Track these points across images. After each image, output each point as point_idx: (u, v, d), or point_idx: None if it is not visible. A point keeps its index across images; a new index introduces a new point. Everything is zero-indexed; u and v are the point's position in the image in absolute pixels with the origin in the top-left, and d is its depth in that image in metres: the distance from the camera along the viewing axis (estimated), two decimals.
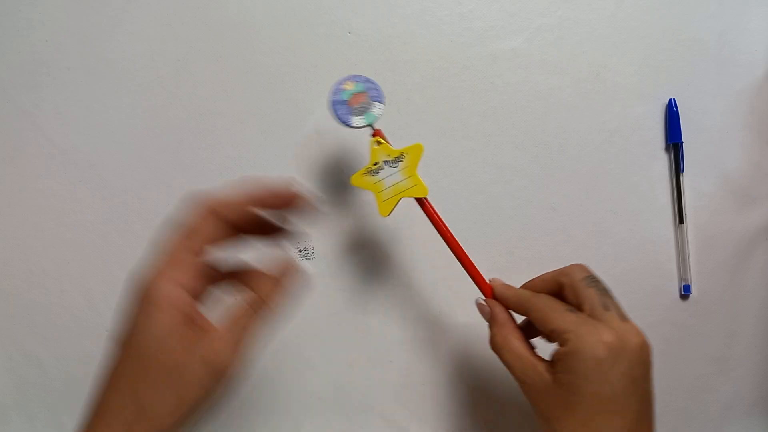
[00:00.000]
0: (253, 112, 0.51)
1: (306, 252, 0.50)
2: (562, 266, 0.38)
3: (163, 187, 0.51)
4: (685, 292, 0.50)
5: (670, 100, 0.50)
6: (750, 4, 0.51)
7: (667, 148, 0.51)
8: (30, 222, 0.51)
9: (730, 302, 0.51)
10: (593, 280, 0.36)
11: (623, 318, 0.34)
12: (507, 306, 0.40)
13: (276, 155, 0.51)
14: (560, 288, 0.37)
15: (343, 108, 0.42)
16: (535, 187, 0.50)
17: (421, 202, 0.42)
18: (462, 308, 0.50)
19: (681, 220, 0.50)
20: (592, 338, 0.32)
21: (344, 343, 0.50)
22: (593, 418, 0.31)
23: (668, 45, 0.51)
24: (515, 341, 0.37)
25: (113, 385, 0.29)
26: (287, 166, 0.50)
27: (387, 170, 0.41)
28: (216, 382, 0.28)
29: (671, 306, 0.51)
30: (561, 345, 0.34)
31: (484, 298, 0.41)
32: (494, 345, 0.38)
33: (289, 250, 0.50)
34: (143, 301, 0.28)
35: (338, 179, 0.50)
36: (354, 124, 0.42)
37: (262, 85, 0.51)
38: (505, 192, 0.51)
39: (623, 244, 0.51)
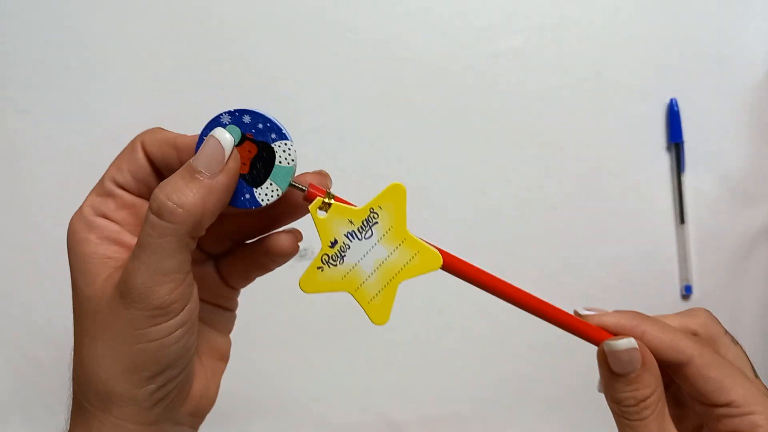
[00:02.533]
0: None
1: (306, 252, 0.50)
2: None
3: None
4: (687, 293, 0.50)
5: (671, 99, 0.50)
6: (750, 4, 0.51)
7: (668, 148, 0.51)
8: (30, 222, 0.51)
9: (731, 302, 0.50)
10: (731, 336, 0.28)
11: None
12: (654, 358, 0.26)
13: None
14: (676, 365, 0.26)
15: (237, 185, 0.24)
16: (535, 187, 0.50)
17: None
18: (463, 308, 0.50)
19: (682, 220, 0.50)
20: None
21: (344, 343, 0.50)
22: None
23: (669, 45, 0.51)
24: (668, 418, 0.25)
25: None
26: None
27: (357, 246, 0.25)
28: (146, 321, 0.23)
29: (672, 306, 0.50)
30: (742, 430, 0.24)
31: (634, 342, 0.25)
32: (646, 417, 0.25)
33: None
34: (69, 236, 0.26)
35: (337, 174, 0.50)
36: (265, 201, 0.24)
37: (262, 85, 0.51)
38: (505, 192, 0.51)
39: (624, 244, 0.50)
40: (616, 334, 0.25)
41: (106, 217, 0.25)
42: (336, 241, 0.25)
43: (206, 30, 0.51)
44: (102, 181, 0.25)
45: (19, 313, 0.51)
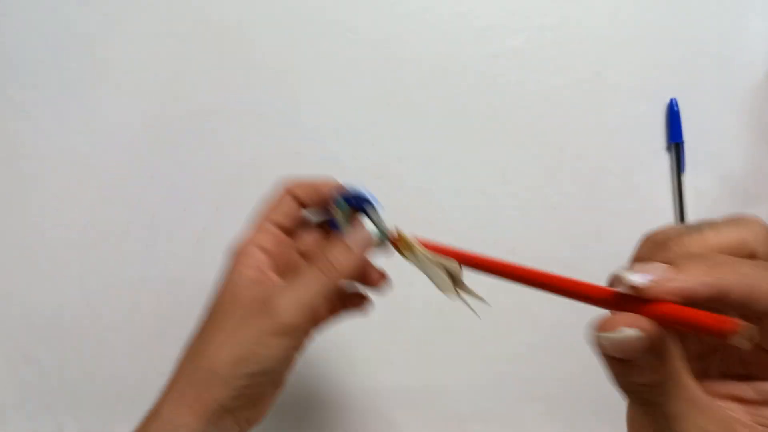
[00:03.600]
0: (252, 112, 0.51)
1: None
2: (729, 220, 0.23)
3: (162, 187, 0.51)
4: None
5: (671, 99, 0.50)
6: (750, 4, 0.51)
7: (668, 148, 0.51)
8: (30, 222, 0.51)
9: None
10: None
11: None
12: (702, 301, 0.20)
13: (276, 155, 0.51)
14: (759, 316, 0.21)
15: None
16: (535, 187, 0.50)
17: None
18: (463, 308, 0.50)
19: (682, 220, 0.50)
20: None
21: (345, 344, 0.50)
22: None
23: (668, 45, 0.51)
24: (694, 386, 0.21)
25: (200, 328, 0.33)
26: (287, 166, 0.50)
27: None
28: (272, 332, 0.30)
29: None
30: None
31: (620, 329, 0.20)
32: (658, 401, 0.21)
33: None
34: (231, 259, 0.33)
35: (337, 174, 0.50)
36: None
37: (262, 85, 0.51)
38: (505, 192, 0.51)
39: (624, 245, 0.50)
40: (694, 298, 0.19)
41: (259, 247, 0.33)
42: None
43: (206, 30, 0.51)
44: (260, 220, 0.34)
45: (19, 313, 0.51)
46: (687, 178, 0.50)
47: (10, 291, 0.51)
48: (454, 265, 0.31)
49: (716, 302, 0.19)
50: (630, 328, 0.19)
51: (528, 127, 0.50)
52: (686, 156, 0.50)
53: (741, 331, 0.18)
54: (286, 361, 0.31)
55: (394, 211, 0.52)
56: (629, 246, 0.53)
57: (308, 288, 0.30)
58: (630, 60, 0.51)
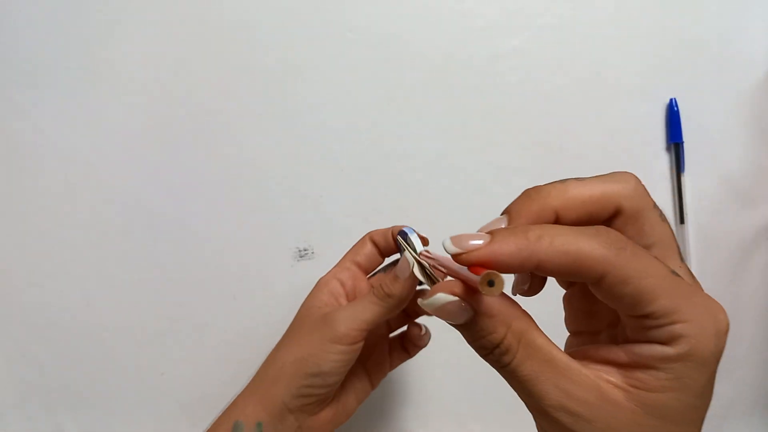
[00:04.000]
0: (252, 112, 0.51)
1: (306, 252, 0.50)
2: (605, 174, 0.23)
3: (162, 187, 0.51)
4: None
5: (671, 99, 0.50)
6: (750, 4, 0.51)
7: (668, 148, 0.51)
8: (30, 222, 0.51)
9: (730, 302, 0.50)
10: (660, 211, 0.23)
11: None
12: (515, 268, 0.21)
13: (276, 155, 0.51)
14: (613, 215, 0.23)
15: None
16: None
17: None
18: None
19: (682, 220, 0.50)
20: (710, 326, 0.20)
21: None
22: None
23: (668, 45, 0.51)
24: (549, 348, 0.22)
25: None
26: (287, 166, 0.50)
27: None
28: (330, 339, 0.35)
29: None
30: (653, 341, 0.21)
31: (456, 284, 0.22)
32: (508, 363, 0.22)
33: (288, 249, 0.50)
34: (314, 288, 0.40)
35: (337, 174, 0.50)
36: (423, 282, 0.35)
37: (262, 85, 0.51)
38: (505, 192, 0.50)
39: None
40: (505, 266, 0.20)
41: (338, 279, 0.39)
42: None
43: (206, 30, 0.51)
44: (344, 260, 0.40)
45: (19, 313, 0.51)
46: (687, 178, 0.50)
47: (10, 291, 0.51)
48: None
49: (536, 271, 0.21)
50: (442, 293, 0.21)
51: (528, 127, 0.50)
52: (686, 156, 0.50)
53: (481, 280, 0.19)
54: (339, 366, 0.36)
55: (394, 211, 0.53)
56: None
57: (363, 306, 0.36)
58: (630, 60, 0.51)
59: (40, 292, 0.51)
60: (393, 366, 0.43)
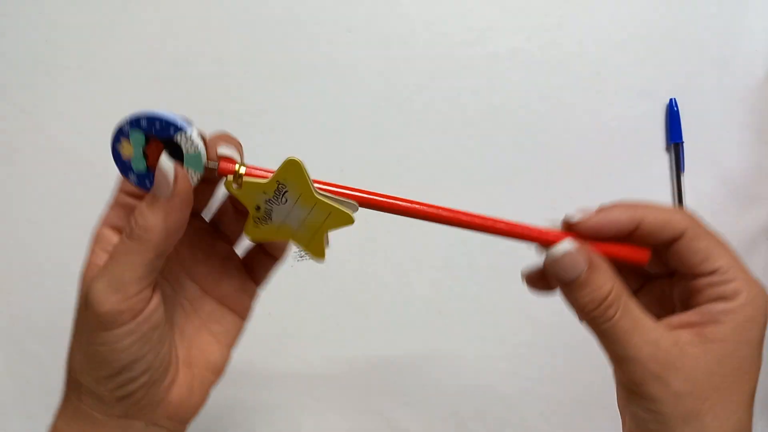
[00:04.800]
0: (252, 112, 0.51)
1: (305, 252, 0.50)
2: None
3: None
4: None
5: (671, 99, 0.50)
6: (750, 4, 0.51)
7: (668, 148, 0.51)
8: (30, 222, 0.51)
9: None
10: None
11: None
12: (624, 224, 0.27)
13: (276, 155, 0.51)
14: (669, 242, 0.26)
15: (150, 180, 0.26)
16: (535, 187, 0.50)
17: (391, 206, 0.30)
18: (462, 309, 0.50)
19: None
20: (761, 293, 0.25)
21: (344, 343, 0.50)
22: (739, 386, 0.25)
23: (668, 45, 0.51)
24: (640, 307, 0.25)
25: None
26: None
27: (279, 209, 0.27)
28: (96, 327, 0.25)
29: None
30: (719, 298, 0.25)
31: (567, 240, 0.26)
32: (612, 316, 0.25)
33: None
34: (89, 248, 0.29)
35: (337, 174, 0.50)
36: (192, 184, 0.26)
37: (262, 84, 0.51)
38: (505, 192, 0.51)
39: None
40: (614, 231, 0.26)
41: (110, 228, 0.28)
42: (259, 207, 0.27)
43: (205, 30, 0.51)
44: (114, 193, 0.29)
45: (19, 313, 0.51)
46: (687, 178, 0.50)
47: (10, 291, 0.51)
48: (351, 206, 0.28)
49: (634, 230, 0.26)
50: (565, 242, 0.26)
51: (528, 127, 0.51)
52: (686, 156, 0.50)
53: (648, 255, 0.26)
54: (135, 351, 0.25)
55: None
56: None
57: (120, 265, 0.24)
58: (630, 60, 0.51)
59: (40, 292, 0.51)
60: (258, 272, 0.31)
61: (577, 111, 0.51)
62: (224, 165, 0.27)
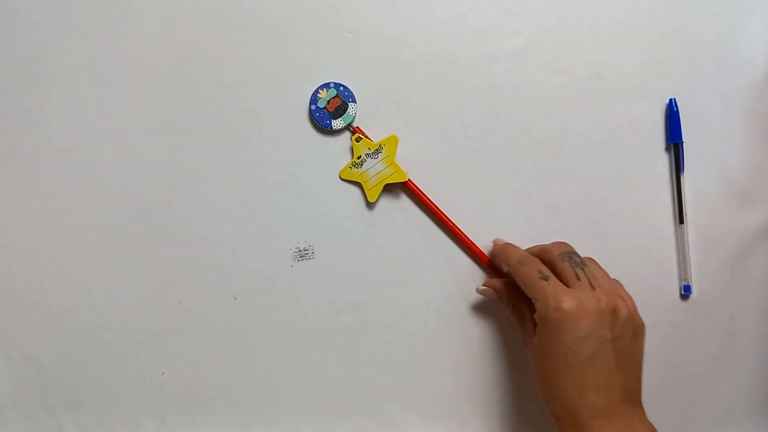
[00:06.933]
0: (252, 112, 0.51)
1: (306, 252, 0.50)
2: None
3: (162, 187, 0.51)
4: (686, 292, 0.50)
5: (671, 99, 0.50)
6: (750, 4, 0.51)
7: (668, 148, 0.51)
8: (30, 222, 0.51)
9: (730, 302, 0.51)
10: (568, 255, 0.42)
11: (593, 286, 0.39)
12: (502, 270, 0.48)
13: (276, 155, 0.51)
14: (544, 262, 0.43)
15: (322, 114, 0.49)
16: (535, 187, 0.50)
17: (406, 185, 0.49)
18: (461, 309, 0.50)
19: (681, 220, 0.50)
20: (552, 304, 0.38)
21: (344, 343, 0.50)
22: (562, 373, 0.37)
23: (668, 45, 0.51)
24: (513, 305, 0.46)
25: None
26: (286, 167, 0.50)
27: (369, 162, 0.48)
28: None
29: (671, 306, 0.51)
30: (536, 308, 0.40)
31: (481, 286, 0.49)
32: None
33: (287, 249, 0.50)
34: None
35: (335, 180, 0.50)
36: (335, 127, 0.49)
37: (262, 85, 0.51)
38: (505, 192, 0.51)
39: (623, 244, 0.51)
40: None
41: None
42: (360, 157, 0.49)
43: (206, 29, 0.51)
44: None
45: (19, 313, 0.51)
46: (686, 178, 0.50)
47: (10, 291, 0.51)
48: (393, 141, 0.48)
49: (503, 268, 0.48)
50: (482, 286, 0.49)
51: (528, 127, 0.51)
52: (686, 156, 0.50)
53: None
54: None
55: (394, 210, 0.53)
56: (629, 246, 0.53)
57: None
58: (630, 60, 0.51)
59: (40, 292, 0.51)
60: None
61: (577, 111, 0.51)
62: (357, 130, 0.49)
